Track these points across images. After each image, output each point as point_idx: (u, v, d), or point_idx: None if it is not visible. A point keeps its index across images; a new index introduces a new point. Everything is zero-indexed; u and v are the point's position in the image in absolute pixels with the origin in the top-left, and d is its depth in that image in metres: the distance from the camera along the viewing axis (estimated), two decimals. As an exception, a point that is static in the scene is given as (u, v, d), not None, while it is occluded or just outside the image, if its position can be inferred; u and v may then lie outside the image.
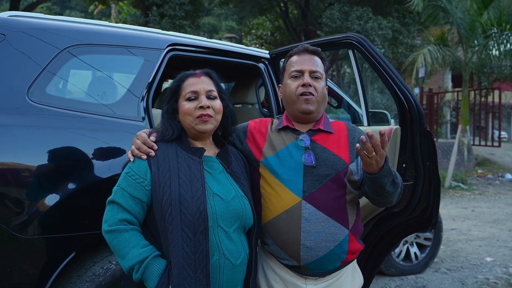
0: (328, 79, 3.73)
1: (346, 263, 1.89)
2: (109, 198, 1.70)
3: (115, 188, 1.71)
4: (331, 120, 2.02)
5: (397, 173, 1.84)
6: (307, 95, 1.87)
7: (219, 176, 1.78)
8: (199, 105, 1.75)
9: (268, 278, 1.91)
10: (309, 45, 2.03)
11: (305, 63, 1.92)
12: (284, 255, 1.85)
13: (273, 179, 1.86)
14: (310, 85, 1.88)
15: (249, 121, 2.07)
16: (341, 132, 1.95)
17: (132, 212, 1.68)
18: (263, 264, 1.95)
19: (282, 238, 1.83)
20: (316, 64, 1.93)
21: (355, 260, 1.98)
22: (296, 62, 1.94)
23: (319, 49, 2.00)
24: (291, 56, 1.99)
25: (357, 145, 1.67)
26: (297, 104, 1.89)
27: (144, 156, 1.71)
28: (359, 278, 1.98)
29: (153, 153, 1.72)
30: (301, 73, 1.91)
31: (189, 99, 1.77)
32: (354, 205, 1.92)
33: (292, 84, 1.91)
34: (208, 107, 1.75)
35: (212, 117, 1.77)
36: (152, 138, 1.76)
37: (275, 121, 2.02)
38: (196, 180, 1.69)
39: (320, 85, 1.91)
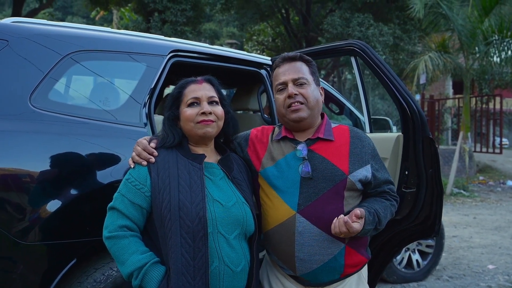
0: (329, 85, 3.73)
1: (347, 275, 1.85)
2: (109, 205, 1.71)
3: (115, 194, 1.72)
4: (334, 124, 1.98)
5: (380, 217, 1.83)
6: (295, 105, 1.85)
7: (220, 183, 1.78)
8: (201, 111, 1.75)
9: (272, 286, 1.91)
10: (287, 52, 2.00)
11: (286, 73, 1.89)
12: (282, 265, 1.85)
13: (271, 190, 1.85)
14: (296, 94, 1.85)
15: (251, 129, 2.06)
16: (342, 139, 1.89)
17: (132, 219, 1.68)
18: (268, 272, 1.94)
19: (278, 249, 1.83)
20: (298, 70, 1.89)
21: (363, 271, 1.93)
22: (279, 74, 1.92)
23: (298, 54, 1.96)
24: (274, 69, 1.97)
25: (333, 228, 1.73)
26: (288, 115, 1.87)
27: (144, 163, 1.72)
28: None
29: (153, 160, 1.72)
30: (284, 84, 1.88)
31: (190, 105, 1.77)
32: None
33: (279, 98, 1.90)
34: (210, 113, 1.76)
35: (214, 122, 1.77)
36: (153, 144, 1.76)
37: (276, 129, 2.00)
38: (195, 186, 1.68)
39: (308, 90, 1.87)
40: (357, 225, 1.69)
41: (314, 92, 1.89)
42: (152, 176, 1.70)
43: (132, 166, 1.75)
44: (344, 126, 1.97)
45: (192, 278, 1.59)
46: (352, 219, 1.68)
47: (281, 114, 1.91)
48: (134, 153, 1.77)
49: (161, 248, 1.66)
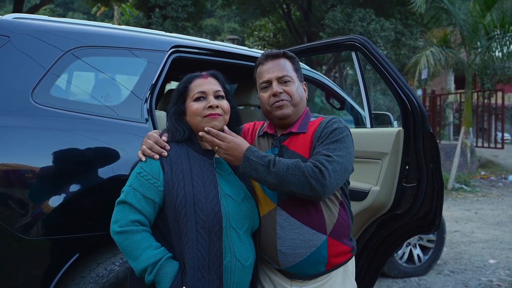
0: (330, 80, 3.73)
1: (333, 267, 1.84)
2: (119, 198, 1.67)
3: (126, 188, 1.68)
4: (319, 116, 1.96)
5: (276, 160, 1.68)
6: (280, 102, 1.85)
7: (228, 178, 1.80)
8: (208, 104, 1.75)
9: (260, 278, 1.91)
10: (273, 48, 2.00)
11: (270, 71, 1.89)
12: (267, 258, 1.86)
13: (256, 183, 1.86)
14: (281, 93, 1.85)
15: (244, 124, 2.08)
16: (312, 129, 1.87)
17: (144, 213, 1.65)
18: None
19: (262, 242, 1.83)
20: (282, 68, 1.89)
21: (349, 265, 1.91)
22: (263, 72, 1.91)
23: (282, 51, 1.96)
24: (257, 66, 1.96)
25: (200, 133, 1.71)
26: (273, 112, 1.88)
27: (157, 156, 1.70)
28: (351, 284, 1.92)
29: (165, 153, 1.70)
30: (269, 82, 1.89)
31: (197, 100, 1.77)
32: (335, 208, 1.84)
33: (264, 96, 1.90)
34: (217, 106, 1.76)
35: (221, 115, 1.77)
36: (164, 138, 1.75)
37: (265, 125, 2.01)
38: (209, 181, 1.68)
39: (292, 88, 1.87)
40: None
41: (298, 89, 1.90)
42: (165, 171, 1.68)
43: (143, 159, 1.71)
44: (323, 117, 1.93)
45: (207, 272, 1.59)
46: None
47: (266, 111, 1.91)
48: (144, 146, 1.74)
49: (174, 243, 1.65)
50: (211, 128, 1.71)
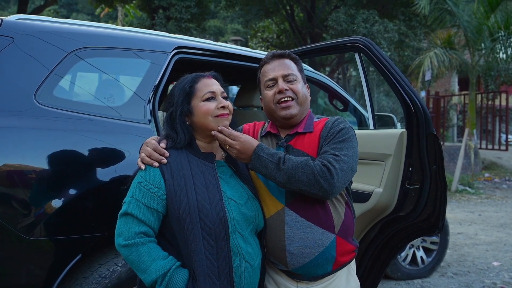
0: (334, 82, 3.73)
1: (339, 266, 1.85)
2: (122, 210, 1.64)
3: (128, 199, 1.65)
4: (321, 117, 1.98)
5: (286, 158, 1.71)
6: (286, 101, 1.85)
7: (230, 180, 1.78)
8: (221, 105, 1.75)
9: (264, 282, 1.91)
10: (276, 50, 2.01)
11: (276, 69, 1.90)
12: (273, 259, 1.85)
13: (261, 183, 1.86)
14: (286, 90, 1.86)
15: (243, 124, 2.08)
16: (318, 129, 1.89)
17: (149, 224, 1.62)
18: None
19: (269, 243, 1.83)
20: (288, 67, 1.92)
21: (352, 264, 1.93)
22: (268, 70, 1.93)
23: (287, 51, 1.98)
24: (262, 66, 1.98)
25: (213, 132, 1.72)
26: (277, 112, 1.88)
27: (156, 164, 1.67)
28: (355, 283, 1.94)
29: (165, 160, 1.68)
30: (274, 80, 1.90)
31: (207, 100, 1.75)
32: (341, 207, 1.86)
33: (268, 94, 1.90)
34: (227, 106, 1.77)
35: (229, 115, 1.78)
36: (163, 144, 1.72)
37: (266, 125, 2.01)
38: (211, 186, 1.67)
39: (297, 86, 1.89)
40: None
41: (303, 88, 1.92)
42: (166, 178, 1.65)
43: (142, 168, 1.68)
44: (327, 118, 1.96)
45: (217, 278, 1.59)
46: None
47: (270, 110, 1.91)
48: (143, 154, 1.70)
49: (182, 251, 1.63)
50: (224, 128, 1.72)
